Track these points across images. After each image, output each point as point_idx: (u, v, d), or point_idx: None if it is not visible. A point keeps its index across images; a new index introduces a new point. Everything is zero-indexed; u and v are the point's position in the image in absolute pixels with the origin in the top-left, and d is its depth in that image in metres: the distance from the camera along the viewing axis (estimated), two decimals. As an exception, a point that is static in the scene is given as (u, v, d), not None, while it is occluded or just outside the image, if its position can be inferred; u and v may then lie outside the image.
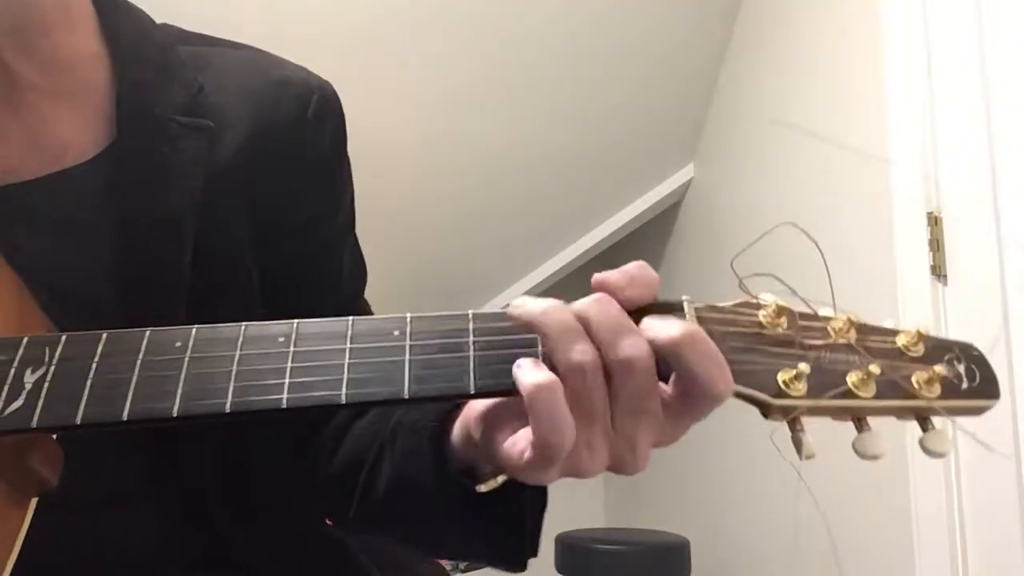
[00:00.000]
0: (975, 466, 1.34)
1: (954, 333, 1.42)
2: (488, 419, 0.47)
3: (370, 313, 0.74)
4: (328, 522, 0.70)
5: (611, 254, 3.14)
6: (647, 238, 3.10)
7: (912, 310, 1.49)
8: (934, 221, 1.45)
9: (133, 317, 0.58)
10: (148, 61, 0.65)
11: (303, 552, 0.67)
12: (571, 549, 2.35)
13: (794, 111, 2.11)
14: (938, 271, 1.44)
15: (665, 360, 0.43)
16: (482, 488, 0.51)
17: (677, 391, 0.43)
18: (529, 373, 0.42)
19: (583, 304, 0.43)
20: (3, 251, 0.55)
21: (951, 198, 1.44)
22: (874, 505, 1.61)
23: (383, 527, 0.64)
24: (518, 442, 0.44)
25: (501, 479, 0.50)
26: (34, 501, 0.50)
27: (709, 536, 2.45)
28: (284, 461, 0.67)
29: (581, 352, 0.42)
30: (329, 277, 0.71)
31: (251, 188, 0.65)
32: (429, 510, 0.55)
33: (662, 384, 0.44)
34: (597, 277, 0.45)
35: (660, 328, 0.42)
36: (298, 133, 0.67)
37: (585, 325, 0.43)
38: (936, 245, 1.44)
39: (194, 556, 0.61)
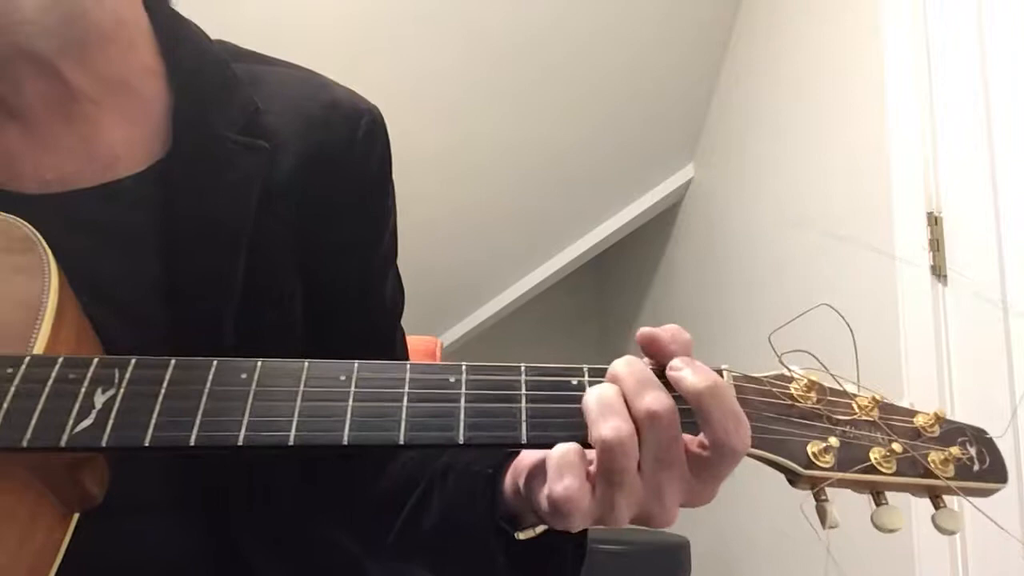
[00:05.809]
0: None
1: (954, 333, 1.42)
2: (533, 470, 0.50)
3: (405, 340, 0.75)
4: (357, 544, 0.70)
5: (611, 254, 3.14)
6: (647, 238, 3.10)
7: (912, 310, 1.49)
8: (934, 221, 1.45)
9: (179, 330, 0.59)
10: (205, 78, 0.66)
11: (322, 571, 0.66)
12: (571, 549, 2.34)
13: (794, 111, 2.11)
14: (938, 271, 1.44)
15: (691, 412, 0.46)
16: (520, 536, 0.52)
17: (701, 445, 0.46)
18: (561, 447, 0.45)
19: (614, 365, 0.47)
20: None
21: (951, 198, 1.44)
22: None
23: (422, 560, 0.64)
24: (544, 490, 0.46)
25: (539, 529, 0.52)
26: (76, 516, 0.51)
27: (709, 536, 2.45)
28: (312, 480, 0.66)
29: (611, 428, 0.44)
30: (370, 303, 0.70)
31: (299, 208, 0.65)
32: (474, 552, 0.56)
33: (688, 436, 0.46)
34: (644, 331, 0.49)
35: (688, 378, 0.46)
36: (347, 155, 0.68)
37: (615, 380, 0.46)
38: (936, 245, 1.44)
39: (213, 568, 0.61)
